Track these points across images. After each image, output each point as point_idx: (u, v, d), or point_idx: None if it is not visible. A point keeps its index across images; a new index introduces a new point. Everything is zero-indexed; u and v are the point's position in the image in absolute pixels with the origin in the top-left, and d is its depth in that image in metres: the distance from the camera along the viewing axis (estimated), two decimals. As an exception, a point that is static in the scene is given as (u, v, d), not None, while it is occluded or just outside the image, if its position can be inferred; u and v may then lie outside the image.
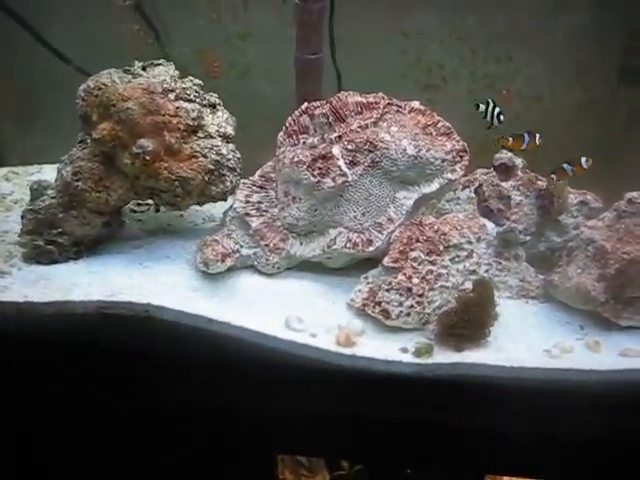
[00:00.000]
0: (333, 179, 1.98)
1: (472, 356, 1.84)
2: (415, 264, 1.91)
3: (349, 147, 2.01)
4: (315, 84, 2.59)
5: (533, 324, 1.99)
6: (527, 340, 1.92)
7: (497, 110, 2.36)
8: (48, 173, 2.40)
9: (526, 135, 2.33)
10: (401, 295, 1.89)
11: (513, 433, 1.89)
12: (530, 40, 3.03)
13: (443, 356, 1.84)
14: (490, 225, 2.05)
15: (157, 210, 2.17)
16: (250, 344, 1.88)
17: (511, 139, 2.34)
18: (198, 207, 2.24)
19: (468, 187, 2.19)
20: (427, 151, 2.01)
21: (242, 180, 2.11)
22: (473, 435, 1.92)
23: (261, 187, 2.10)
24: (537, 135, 2.34)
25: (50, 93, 2.87)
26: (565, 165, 2.30)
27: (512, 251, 2.06)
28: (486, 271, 2.01)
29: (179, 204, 2.02)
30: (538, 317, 2.02)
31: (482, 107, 2.36)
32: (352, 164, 2.00)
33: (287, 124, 2.12)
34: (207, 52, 2.93)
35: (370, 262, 2.05)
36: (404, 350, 1.84)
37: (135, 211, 2.28)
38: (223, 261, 1.98)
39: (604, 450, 1.88)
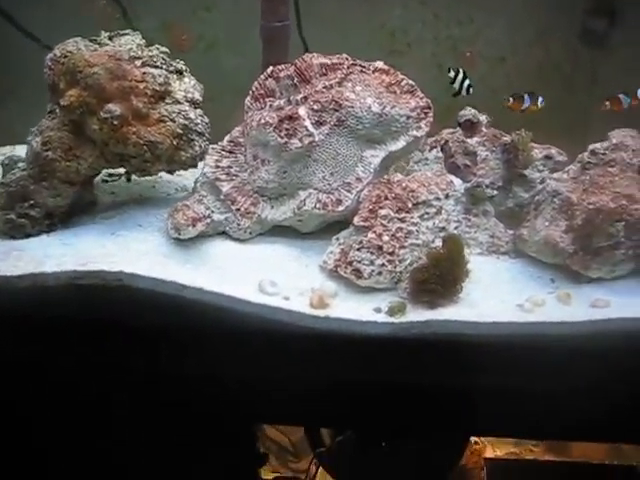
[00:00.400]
0: (300, 139, 1.93)
1: (445, 313, 1.78)
2: (385, 222, 1.86)
3: (315, 107, 1.95)
4: (282, 52, 2.50)
5: (505, 280, 1.94)
6: (499, 295, 1.87)
7: (467, 82, 2.32)
8: (21, 152, 2.31)
9: (527, 96, 2.28)
10: (372, 254, 1.84)
11: (491, 390, 1.84)
12: (491, 1, 2.97)
13: (416, 314, 1.78)
14: (457, 181, 2.00)
15: (128, 180, 2.12)
16: (223, 309, 1.81)
17: (511, 99, 2.29)
18: (170, 177, 2.19)
19: (435, 148, 2.13)
20: (392, 108, 1.96)
21: (211, 146, 2.04)
22: (452, 394, 1.87)
23: (230, 152, 2.04)
24: (539, 98, 2.29)
25: (23, 74, 2.80)
26: (621, 95, 2.24)
27: (481, 207, 2.02)
28: (456, 228, 1.96)
29: (149, 169, 1.96)
30: (509, 272, 1.97)
31: (452, 73, 2.32)
32: (318, 124, 1.95)
33: (253, 88, 2.06)
34: (174, 25, 2.87)
35: (342, 225, 1.99)
36: (378, 310, 1.79)
37: (107, 181, 2.21)
38: (194, 225, 1.91)
39: (581, 401, 1.85)
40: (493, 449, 3.08)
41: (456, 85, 2.30)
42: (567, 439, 2.44)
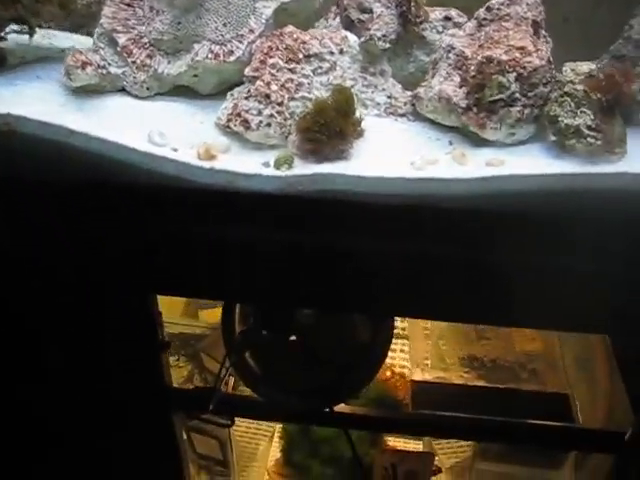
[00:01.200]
0: (191, -15, 1.86)
1: (332, 167, 1.64)
2: (273, 71, 1.74)
3: (205, -46, 1.89)
4: None
5: (401, 140, 1.80)
6: (393, 155, 1.73)
7: None
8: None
9: None
10: (260, 102, 1.72)
11: (380, 255, 1.69)
12: None
13: (303, 168, 1.66)
14: (353, 38, 1.86)
15: (31, 35, 2.00)
16: (108, 158, 1.69)
17: None
18: (80, 44, 2.09)
19: (340, 15, 1.98)
20: (281, -45, 1.90)
21: (109, -3, 1.98)
22: (342, 259, 1.72)
23: (129, 5, 1.91)
24: None
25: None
26: None
27: (378, 67, 1.87)
28: (352, 87, 1.81)
29: (41, 10, 1.87)
30: (407, 134, 1.82)
31: None
32: (209, -30, 1.89)
33: (155, -59, 1.98)
34: None
35: (243, 87, 1.91)
36: (266, 165, 1.67)
37: (7, 33, 2.08)
38: (83, 68, 1.80)
39: (469, 266, 1.71)
40: (422, 373, 2.96)
41: None
42: (455, 318, 2.22)
